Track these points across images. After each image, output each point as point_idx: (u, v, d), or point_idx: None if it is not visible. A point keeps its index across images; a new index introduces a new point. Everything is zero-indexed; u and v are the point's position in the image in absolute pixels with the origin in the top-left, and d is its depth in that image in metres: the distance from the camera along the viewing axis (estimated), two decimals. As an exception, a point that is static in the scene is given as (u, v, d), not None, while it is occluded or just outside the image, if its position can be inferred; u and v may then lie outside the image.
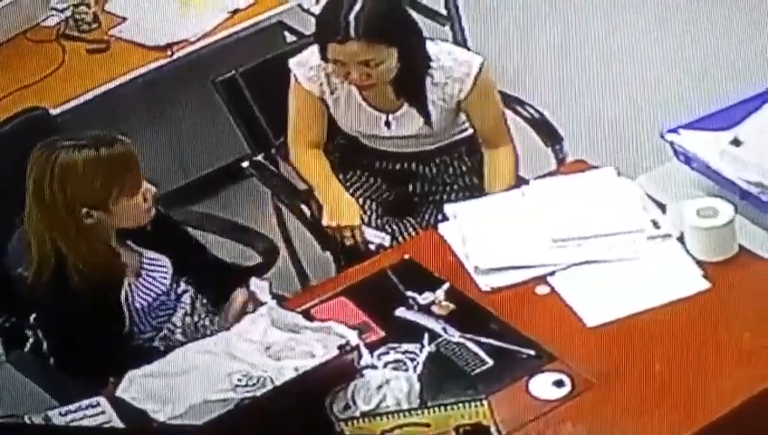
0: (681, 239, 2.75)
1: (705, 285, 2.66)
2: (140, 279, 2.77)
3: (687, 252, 2.73)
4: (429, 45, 3.08)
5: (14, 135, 3.14)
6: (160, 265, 2.81)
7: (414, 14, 3.24)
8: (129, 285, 2.75)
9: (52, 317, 2.74)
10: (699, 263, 2.70)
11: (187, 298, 2.84)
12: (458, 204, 2.99)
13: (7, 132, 3.15)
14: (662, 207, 2.84)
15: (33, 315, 2.80)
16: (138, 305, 2.76)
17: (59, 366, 2.77)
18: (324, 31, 3.01)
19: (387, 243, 2.96)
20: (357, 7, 2.94)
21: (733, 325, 2.55)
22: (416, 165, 3.19)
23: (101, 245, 2.70)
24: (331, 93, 3.12)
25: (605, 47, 3.53)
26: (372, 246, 2.98)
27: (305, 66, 3.11)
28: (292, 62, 3.13)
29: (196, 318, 2.83)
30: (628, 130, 3.38)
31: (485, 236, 2.83)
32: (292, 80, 3.13)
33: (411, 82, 3.06)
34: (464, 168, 3.21)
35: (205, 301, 2.85)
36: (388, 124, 3.13)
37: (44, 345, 2.79)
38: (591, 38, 3.48)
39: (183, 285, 2.85)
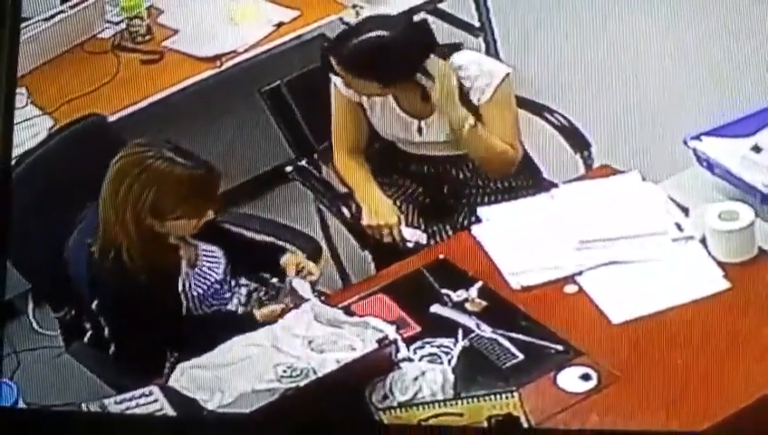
0: (703, 241, 2.79)
1: (726, 285, 2.70)
2: (196, 269, 2.87)
3: (709, 253, 2.77)
4: (458, 54, 3.11)
5: (75, 138, 3.22)
6: (214, 256, 2.91)
7: (447, 26, 3.30)
8: (187, 274, 2.85)
9: (111, 296, 2.81)
10: (720, 264, 2.74)
11: (243, 290, 2.93)
12: (491, 207, 3.04)
13: (68, 135, 3.23)
14: (685, 210, 2.87)
15: (95, 302, 2.88)
16: (194, 293, 2.86)
17: (118, 349, 2.86)
18: (323, 63, 3.12)
19: (423, 240, 2.98)
20: (346, 43, 3.02)
21: (751, 323, 2.60)
22: (449, 169, 3.21)
23: (155, 242, 2.79)
24: (368, 98, 3.18)
25: (631, 56, 3.53)
26: (410, 244, 3.01)
27: None
28: None
29: (249, 308, 2.90)
30: (653, 136, 3.35)
31: (517, 238, 2.89)
32: (332, 87, 3.19)
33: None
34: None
35: (261, 295, 2.93)
36: (420, 130, 3.17)
37: (106, 331, 2.88)
38: (617, 48, 3.46)
39: (244, 280, 2.94)
